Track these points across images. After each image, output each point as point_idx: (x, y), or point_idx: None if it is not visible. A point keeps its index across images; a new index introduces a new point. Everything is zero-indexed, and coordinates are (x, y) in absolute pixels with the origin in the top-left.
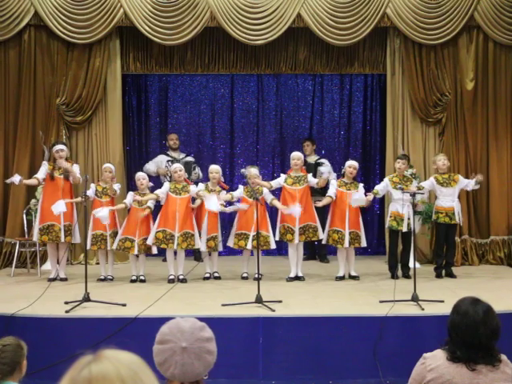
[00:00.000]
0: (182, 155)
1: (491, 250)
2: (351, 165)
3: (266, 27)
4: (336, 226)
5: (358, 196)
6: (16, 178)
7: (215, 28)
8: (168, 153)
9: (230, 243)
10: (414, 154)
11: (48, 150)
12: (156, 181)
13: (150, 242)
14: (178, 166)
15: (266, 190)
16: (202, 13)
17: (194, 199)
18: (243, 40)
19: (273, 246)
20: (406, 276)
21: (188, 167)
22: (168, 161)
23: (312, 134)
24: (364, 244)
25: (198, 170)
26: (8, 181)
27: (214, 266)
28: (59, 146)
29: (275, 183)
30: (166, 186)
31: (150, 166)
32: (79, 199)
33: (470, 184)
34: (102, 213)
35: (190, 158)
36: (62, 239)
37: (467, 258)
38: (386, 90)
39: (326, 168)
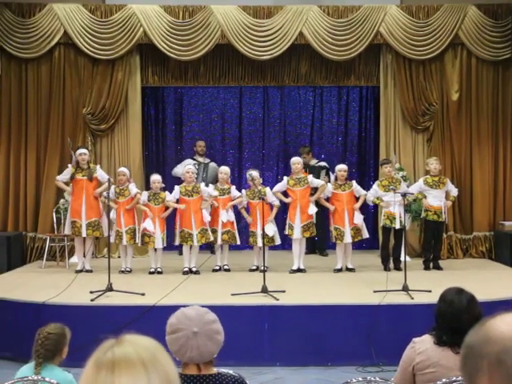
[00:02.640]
0: (207, 160)
1: (474, 244)
2: (341, 168)
3: (271, 44)
4: (336, 224)
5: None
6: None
7: (225, 45)
8: (194, 157)
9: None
10: (405, 159)
11: (75, 154)
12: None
13: (177, 242)
14: (190, 168)
15: (268, 190)
16: (214, 31)
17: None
18: (250, 55)
19: (277, 242)
20: (398, 268)
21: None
22: (194, 164)
23: (313, 140)
24: (366, 235)
25: None
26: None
27: (225, 259)
28: (81, 150)
29: (279, 187)
30: (177, 190)
31: (178, 169)
32: (103, 190)
33: (453, 191)
34: (147, 224)
35: (215, 164)
36: (84, 234)
37: (452, 252)
38: (379, 101)
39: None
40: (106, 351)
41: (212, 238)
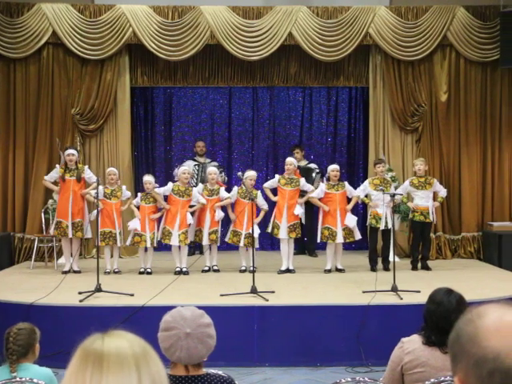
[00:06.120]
0: (208, 160)
1: (462, 245)
2: (333, 169)
3: (261, 45)
4: (328, 224)
5: (350, 219)
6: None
7: (215, 45)
8: (195, 158)
9: (226, 238)
10: (394, 159)
11: (63, 155)
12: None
13: (158, 238)
14: (185, 168)
15: (260, 194)
16: (203, 32)
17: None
18: (240, 56)
19: (257, 245)
20: (386, 269)
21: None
22: (195, 165)
23: (302, 141)
24: (359, 237)
25: (223, 175)
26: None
27: (214, 259)
28: (70, 151)
29: (270, 184)
30: (170, 186)
31: (179, 170)
32: (91, 194)
33: (442, 192)
34: (134, 224)
35: (215, 163)
36: (70, 235)
37: (441, 252)
38: (368, 102)
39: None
40: (94, 341)
41: (192, 239)
